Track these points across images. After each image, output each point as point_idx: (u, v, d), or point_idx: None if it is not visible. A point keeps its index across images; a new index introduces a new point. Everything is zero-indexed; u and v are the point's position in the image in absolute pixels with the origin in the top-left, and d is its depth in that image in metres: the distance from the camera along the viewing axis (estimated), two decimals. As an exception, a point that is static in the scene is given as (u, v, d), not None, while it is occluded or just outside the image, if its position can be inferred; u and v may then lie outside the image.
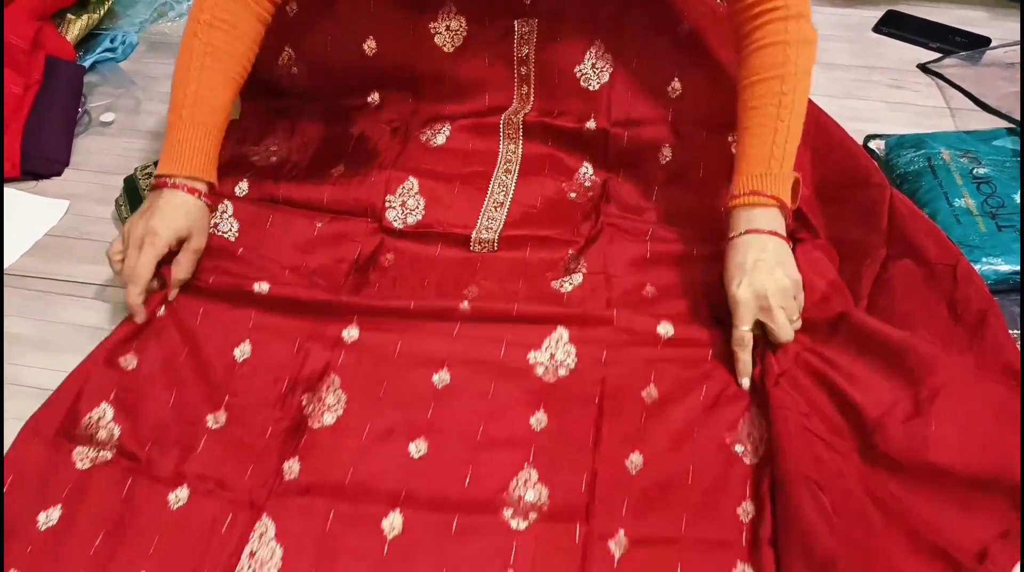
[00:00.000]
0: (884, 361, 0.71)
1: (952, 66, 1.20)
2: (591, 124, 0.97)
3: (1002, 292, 0.84)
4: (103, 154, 1.09)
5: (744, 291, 0.75)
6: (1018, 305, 0.83)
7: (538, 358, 0.78)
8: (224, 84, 0.85)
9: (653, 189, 0.95)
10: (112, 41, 1.25)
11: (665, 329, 0.79)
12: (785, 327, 0.75)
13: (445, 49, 0.97)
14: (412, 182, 0.94)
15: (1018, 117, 1.08)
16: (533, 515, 0.67)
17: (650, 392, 0.75)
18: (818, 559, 0.60)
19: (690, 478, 0.69)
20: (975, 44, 1.24)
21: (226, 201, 0.91)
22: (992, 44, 1.23)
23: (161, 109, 1.17)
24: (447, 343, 0.79)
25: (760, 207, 0.78)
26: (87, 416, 0.74)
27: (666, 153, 0.97)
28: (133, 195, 0.98)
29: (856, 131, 1.06)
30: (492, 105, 1.00)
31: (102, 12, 1.26)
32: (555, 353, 0.78)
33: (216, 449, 0.72)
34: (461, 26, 0.96)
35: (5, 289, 0.92)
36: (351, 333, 0.81)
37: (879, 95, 1.16)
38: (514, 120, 0.99)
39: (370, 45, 0.99)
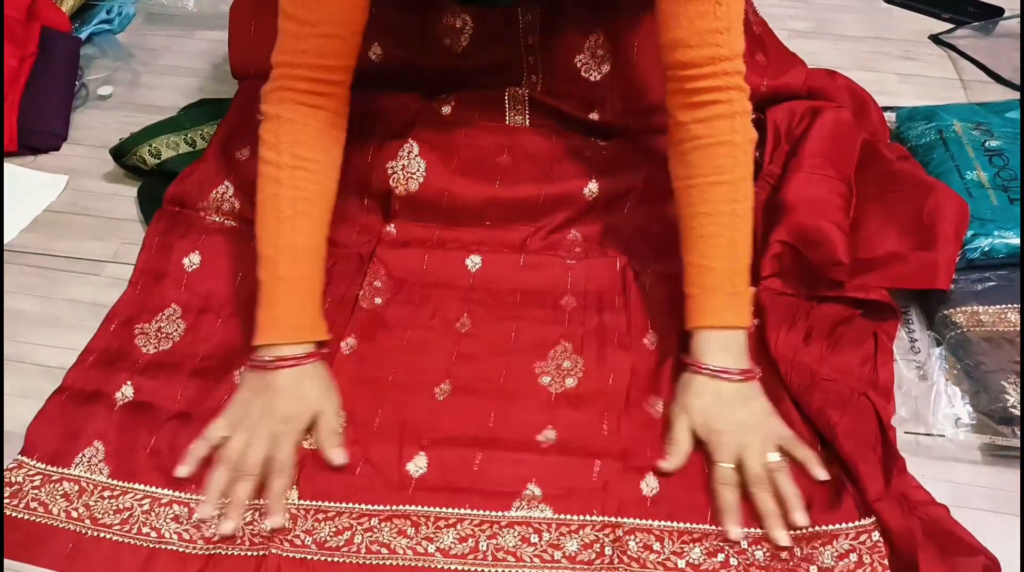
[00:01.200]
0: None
1: (965, 37, 1.18)
2: (594, 116, 0.96)
3: (1013, 266, 0.84)
4: (101, 128, 1.08)
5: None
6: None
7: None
8: (320, 228, 0.77)
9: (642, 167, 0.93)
10: (108, 12, 1.23)
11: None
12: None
13: (454, 50, 0.95)
14: (412, 144, 0.92)
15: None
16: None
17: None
18: None
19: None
20: (988, 15, 1.22)
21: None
22: (1005, 15, 1.21)
23: (159, 82, 1.15)
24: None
25: (730, 333, 0.74)
26: (213, 192, 0.92)
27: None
28: (121, 157, 0.99)
29: (867, 103, 1.05)
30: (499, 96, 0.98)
31: (97, -18, 1.23)
32: None
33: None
34: (466, 23, 0.94)
35: (5, 266, 0.91)
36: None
37: (890, 67, 1.14)
38: (519, 94, 0.97)
39: (376, 51, 0.97)
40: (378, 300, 0.85)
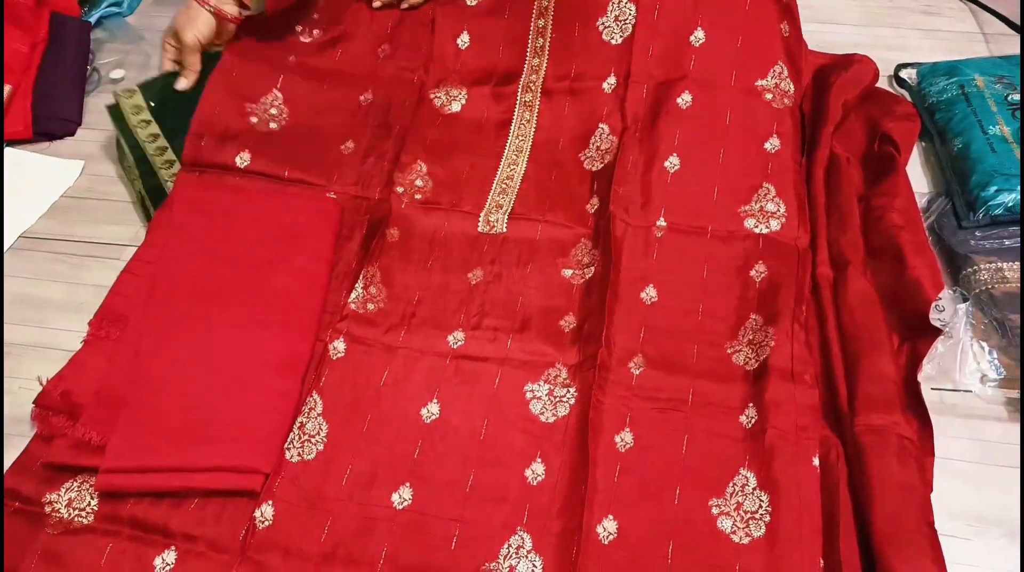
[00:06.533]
0: None
1: (986, -11, 1.15)
2: (611, 81, 0.95)
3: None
4: (115, 112, 1.08)
5: None
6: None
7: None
8: None
9: (675, 135, 0.91)
10: (117, -5, 1.22)
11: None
12: None
13: (468, 2, 0.96)
14: (421, 165, 0.92)
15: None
16: None
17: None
18: None
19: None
20: (1009, -36, 1.18)
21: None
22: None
23: (171, 64, 1.15)
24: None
25: None
26: (262, 99, 0.96)
27: (687, 98, 0.93)
28: (119, 120, 0.98)
29: (887, 60, 1.03)
30: (506, 57, 0.98)
31: (104, -35, 1.22)
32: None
33: None
34: None
35: (27, 253, 0.92)
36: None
37: (911, 22, 1.12)
38: (533, 86, 0.96)
39: None
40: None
